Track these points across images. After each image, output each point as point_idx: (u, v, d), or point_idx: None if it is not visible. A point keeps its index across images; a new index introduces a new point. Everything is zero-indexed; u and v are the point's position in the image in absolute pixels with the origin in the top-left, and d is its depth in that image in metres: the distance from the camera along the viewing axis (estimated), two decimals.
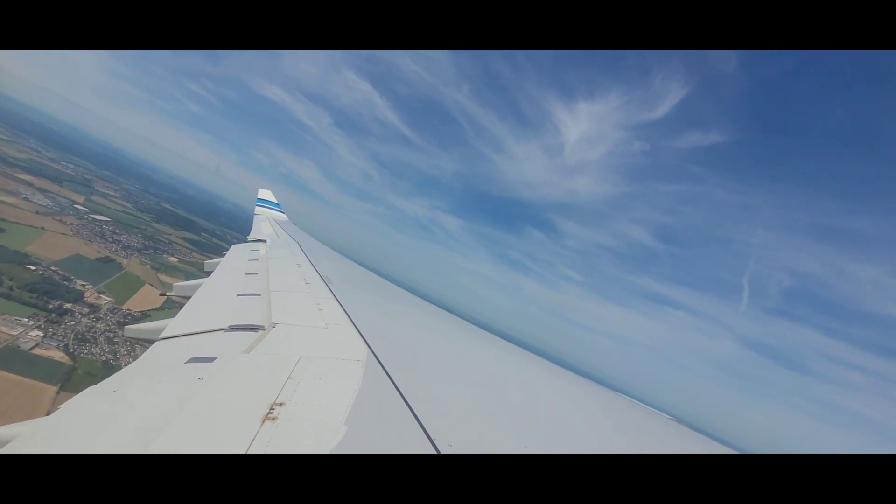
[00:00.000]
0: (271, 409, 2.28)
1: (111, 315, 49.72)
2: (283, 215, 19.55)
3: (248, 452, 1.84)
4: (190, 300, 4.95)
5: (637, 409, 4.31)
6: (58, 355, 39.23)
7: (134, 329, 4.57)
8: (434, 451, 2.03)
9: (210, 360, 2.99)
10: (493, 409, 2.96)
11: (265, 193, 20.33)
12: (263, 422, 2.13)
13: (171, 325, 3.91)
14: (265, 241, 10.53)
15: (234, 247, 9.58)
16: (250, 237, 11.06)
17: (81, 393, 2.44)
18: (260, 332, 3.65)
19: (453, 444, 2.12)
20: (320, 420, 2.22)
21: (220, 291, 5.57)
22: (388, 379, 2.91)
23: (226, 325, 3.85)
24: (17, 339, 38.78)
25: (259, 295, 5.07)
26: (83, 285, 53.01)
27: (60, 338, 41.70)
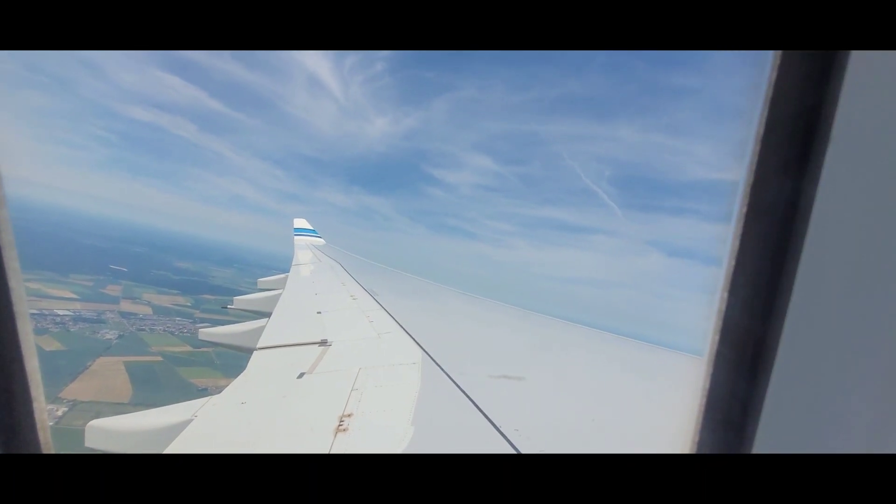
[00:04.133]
0: (341, 421, 2.39)
1: None
2: (321, 240, 20.23)
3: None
4: (272, 317, 5.50)
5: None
6: None
7: (208, 333, 5.35)
8: (498, 435, 2.06)
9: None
10: (553, 387, 2.95)
11: (300, 223, 21.10)
12: (336, 434, 2.24)
13: (264, 337, 4.35)
14: (310, 264, 11.04)
15: (291, 269, 10.32)
16: (293, 264, 11.60)
17: (211, 400, 2.81)
18: (322, 348, 3.84)
19: (519, 429, 2.14)
20: (388, 425, 2.30)
21: (290, 310, 6.08)
22: (445, 375, 2.97)
23: (303, 341, 4.17)
24: None
25: (320, 313, 5.40)
26: None
27: None
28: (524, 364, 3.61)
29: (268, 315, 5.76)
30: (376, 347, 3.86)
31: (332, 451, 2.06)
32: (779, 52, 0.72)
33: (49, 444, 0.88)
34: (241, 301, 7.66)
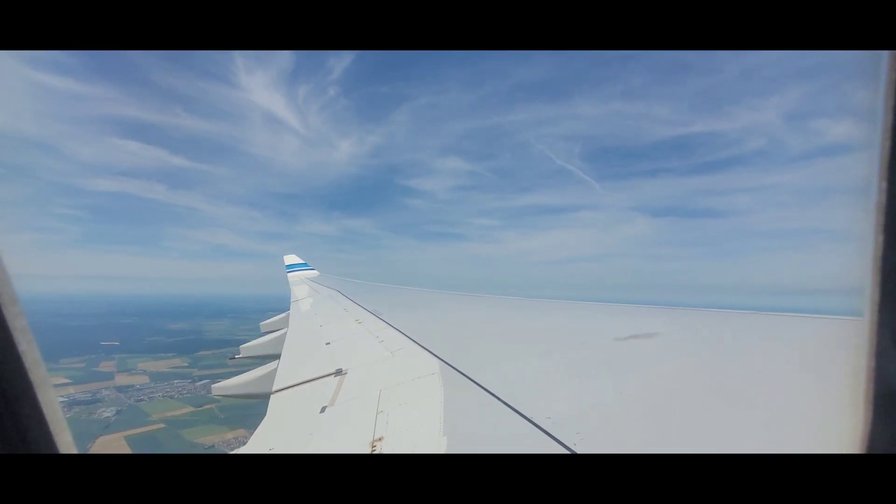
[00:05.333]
0: (373, 446, 2.36)
1: None
2: (314, 271, 20.11)
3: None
4: (282, 357, 5.47)
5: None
6: None
7: (221, 387, 5.26)
8: (533, 427, 2.04)
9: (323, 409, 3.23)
10: (571, 370, 2.94)
11: (290, 259, 20.97)
12: None
13: (278, 379, 4.31)
14: (308, 298, 10.97)
15: (291, 307, 10.24)
16: (292, 300, 11.52)
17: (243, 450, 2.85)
18: (339, 378, 3.81)
19: (551, 416, 2.13)
20: (421, 440, 2.28)
21: (299, 347, 6.02)
22: (467, 379, 2.95)
23: (318, 375, 4.14)
24: None
25: (329, 344, 5.36)
26: None
27: None
28: (543, 352, 3.60)
29: (277, 357, 5.70)
30: (392, 366, 3.83)
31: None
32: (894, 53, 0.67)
33: (69, 443, 0.87)
34: (247, 348, 7.54)
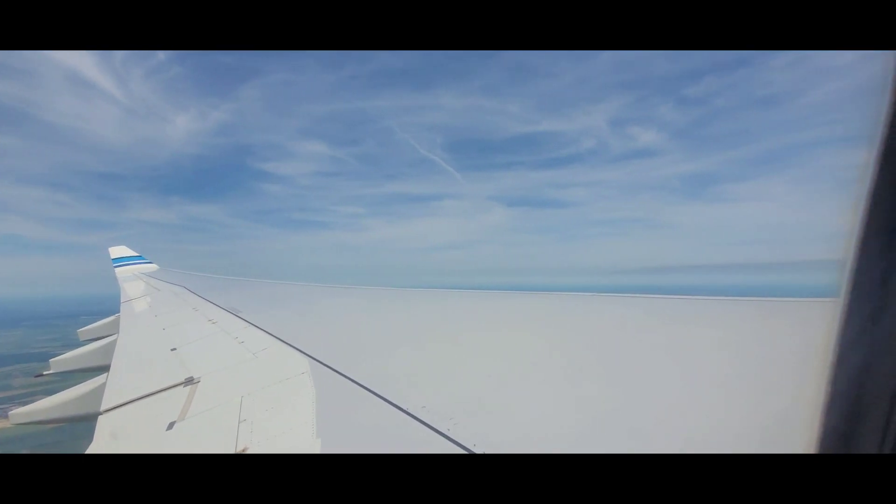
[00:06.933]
0: None
1: None
2: (152, 265, 17.29)
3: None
4: (112, 369, 4.56)
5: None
6: None
7: (23, 413, 4.24)
8: (408, 417, 2.10)
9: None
10: (439, 360, 3.10)
11: (118, 251, 17.67)
12: None
13: (108, 396, 3.61)
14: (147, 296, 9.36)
15: (122, 308, 8.55)
16: (122, 300, 9.71)
17: None
18: (190, 388, 3.35)
19: (426, 405, 2.21)
20: (291, 445, 2.16)
21: (134, 356, 5.12)
22: (340, 375, 2.88)
23: (162, 387, 3.58)
24: None
25: (175, 349, 4.66)
26: None
27: None
28: (416, 342, 3.70)
29: (105, 369, 4.76)
30: (255, 368, 3.52)
31: None
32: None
33: None
34: (61, 362, 6.01)
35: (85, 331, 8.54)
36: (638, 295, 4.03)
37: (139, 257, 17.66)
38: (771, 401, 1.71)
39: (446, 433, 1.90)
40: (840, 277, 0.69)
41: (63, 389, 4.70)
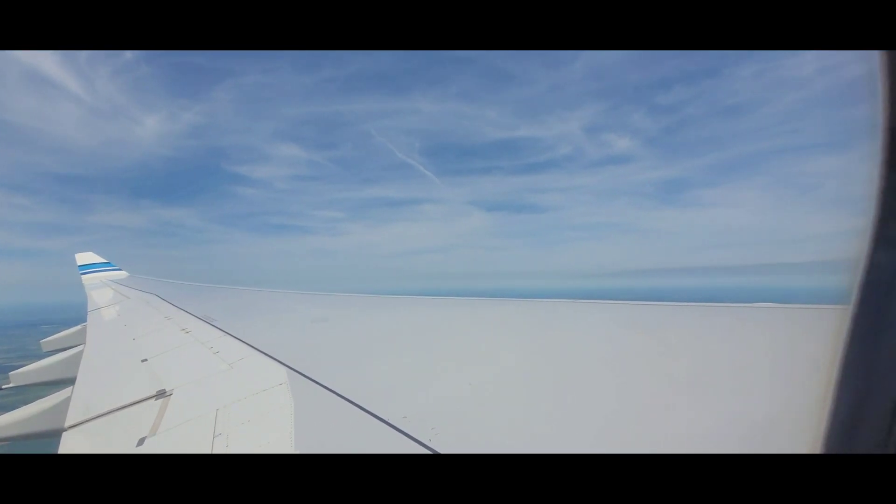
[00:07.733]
0: None
1: None
2: (122, 272, 16.71)
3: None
4: (77, 382, 4.34)
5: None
6: None
7: None
8: (390, 428, 2.09)
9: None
10: (420, 369, 3.09)
11: (85, 257, 17.01)
12: None
13: (73, 411, 3.45)
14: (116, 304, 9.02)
15: (89, 317, 8.21)
16: (90, 309, 9.33)
17: None
18: (161, 401, 3.24)
19: (407, 415, 2.20)
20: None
21: (102, 368, 4.91)
22: (319, 385, 2.84)
23: (132, 400, 3.44)
24: None
25: (146, 361, 4.50)
26: None
27: None
28: (396, 350, 3.67)
29: (70, 382, 4.56)
30: (231, 380, 3.43)
31: None
32: (885, 53, 0.68)
33: None
34: (21, 375, 5.69)
35: (48, 341, 8.17)
36: (624, 301, 4.06)
37: (108, 264, 17.04)
38: (771, 401, 1.75)
39: (427, 444, 1.89)
40: (848, 282, 0.70)
41: (24, 404, 4.46)
